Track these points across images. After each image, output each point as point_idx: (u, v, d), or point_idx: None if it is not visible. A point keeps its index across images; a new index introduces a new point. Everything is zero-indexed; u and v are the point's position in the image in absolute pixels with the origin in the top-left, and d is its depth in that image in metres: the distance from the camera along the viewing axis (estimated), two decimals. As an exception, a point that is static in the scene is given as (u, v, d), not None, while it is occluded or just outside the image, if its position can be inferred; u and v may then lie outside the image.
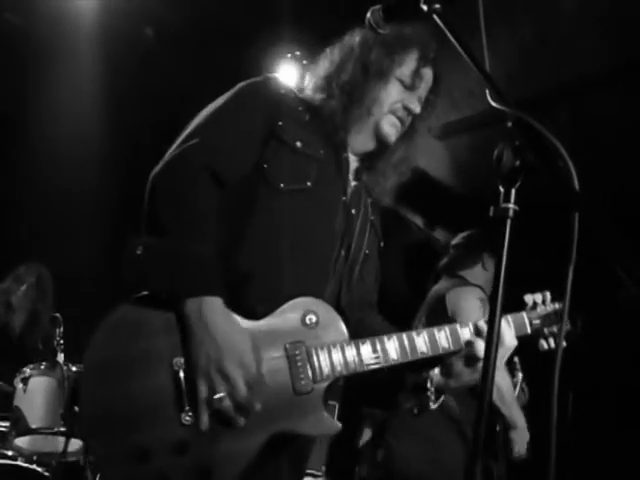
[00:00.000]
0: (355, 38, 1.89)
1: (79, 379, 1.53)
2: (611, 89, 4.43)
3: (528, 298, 1.86)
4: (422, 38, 1.86)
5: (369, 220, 1.92)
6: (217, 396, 1.48)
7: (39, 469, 2.94)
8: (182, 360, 1.51)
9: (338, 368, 1.63)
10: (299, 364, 1.60)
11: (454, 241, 3.67)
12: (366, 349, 1.66)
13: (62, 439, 3.01)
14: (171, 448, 1.47)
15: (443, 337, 1.74)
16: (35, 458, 3.11)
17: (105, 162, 4.28)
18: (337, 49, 1.91)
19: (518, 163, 1.16)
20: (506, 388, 3.14)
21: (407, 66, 1.85)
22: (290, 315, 1.63)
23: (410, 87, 1.86)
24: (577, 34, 4.15)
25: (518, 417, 3.19)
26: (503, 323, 1.77)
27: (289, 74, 4.31)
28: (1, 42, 4.00)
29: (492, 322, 1.15)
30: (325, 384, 1.62)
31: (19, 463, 2.99)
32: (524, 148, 1.16)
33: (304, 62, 4.17)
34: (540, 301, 1.86)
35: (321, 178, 1.76)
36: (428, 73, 1.89)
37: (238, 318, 1.58)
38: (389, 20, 1.64)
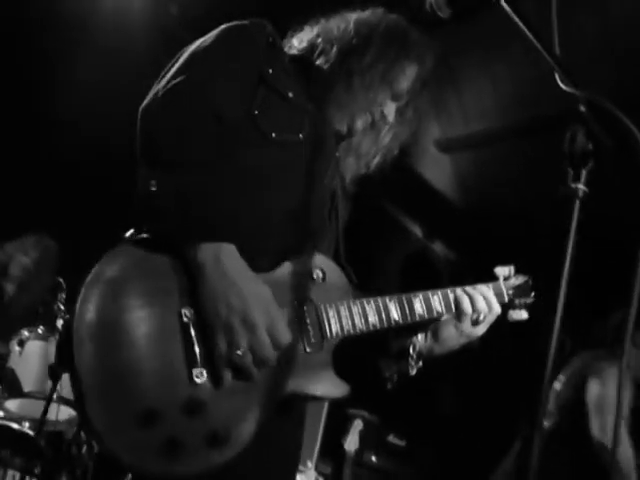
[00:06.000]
0: (377, 23, 1.79)
1: (69, 341, 1.31)
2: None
3: (499, 270, 1.87)
4: (429, 58, 1.80)
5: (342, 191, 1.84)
6: (239, 351, 1.37)
7: (30, 432, 2.88)
8: (192, 311, 1.39)
9: (346, 327, 1.59)
10: (308, 321, 1.55)
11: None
12: (370, 309, 1.64)
13: (54, 405, 2.95)
14: (181, 408, 1.35)
15: (437, 301, 1.74)
16: (24, 422, 3.04)
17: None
18: (355, 24, 1.79)
19: (591, 146, 1.16)
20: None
21: (406, 79, 1.79)
22: (297, 269, 1.56)
23: (396, 99, 1.80)
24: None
25: None
26: (488, 291, 1.78)
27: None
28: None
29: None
30: (334, 342, 1.58)
31: (8, 423, 2.92)
32: (599, 132, 1.15)
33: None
34: (508, 273, 1.88)
35: (312, 133, 1.67)
36: (416, 92, 1.83)
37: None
38: (452, 4, 1.64)
